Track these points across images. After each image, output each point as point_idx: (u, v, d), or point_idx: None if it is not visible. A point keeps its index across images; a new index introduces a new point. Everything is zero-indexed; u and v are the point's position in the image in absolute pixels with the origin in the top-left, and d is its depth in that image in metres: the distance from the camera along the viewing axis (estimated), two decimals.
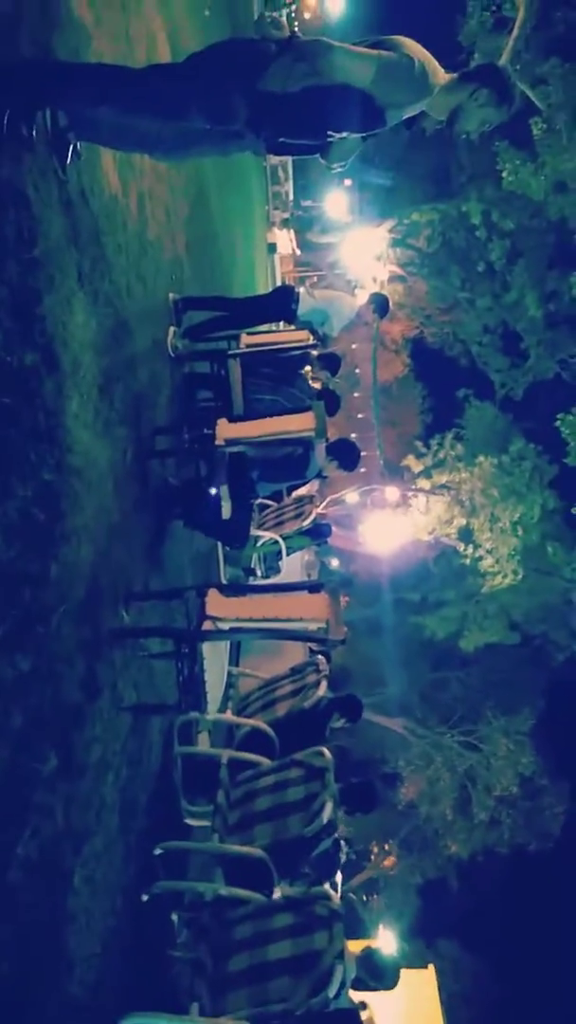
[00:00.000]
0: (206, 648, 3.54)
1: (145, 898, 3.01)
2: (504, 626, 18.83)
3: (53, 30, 2.87)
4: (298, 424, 4.43)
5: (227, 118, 2.52)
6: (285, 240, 16.08)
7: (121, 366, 3.49)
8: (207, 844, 3.22)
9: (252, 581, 5.47)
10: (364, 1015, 2.92)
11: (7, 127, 2.36)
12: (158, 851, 3.10)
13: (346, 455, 4.79)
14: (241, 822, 3.40)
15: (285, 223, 16.13)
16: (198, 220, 6.03)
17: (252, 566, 5.54)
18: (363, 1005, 3.07)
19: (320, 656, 4.20)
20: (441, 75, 2.57)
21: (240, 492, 4.32)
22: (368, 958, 3.08)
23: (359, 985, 3.06)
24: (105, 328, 3.23)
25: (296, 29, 2.65)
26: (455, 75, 2.61)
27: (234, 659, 4.28)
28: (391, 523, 16.52)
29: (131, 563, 3.50)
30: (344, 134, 2.59)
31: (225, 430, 4.28)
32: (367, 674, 16.55)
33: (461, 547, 18.01)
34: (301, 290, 5.49)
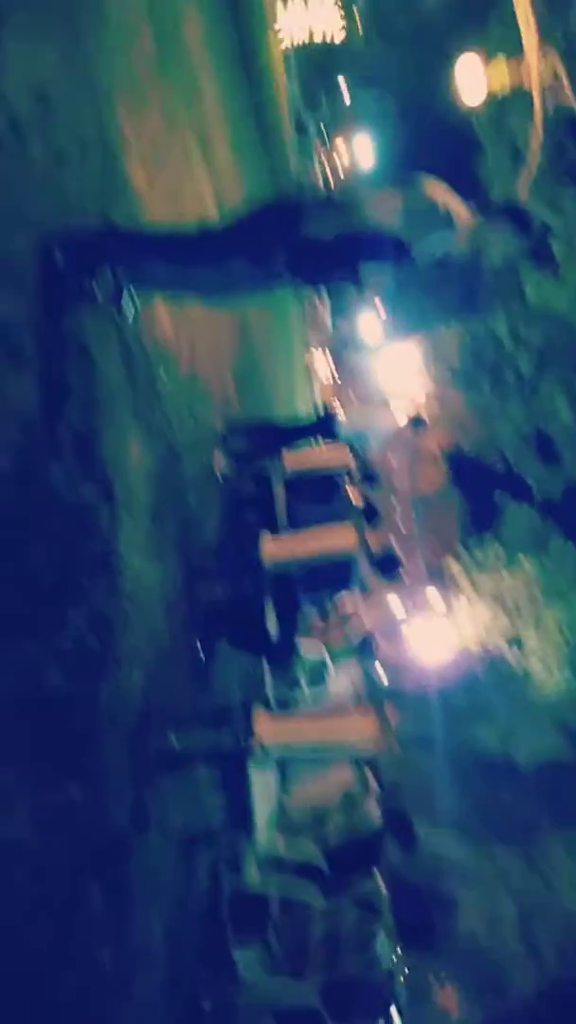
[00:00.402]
0: (253, 770, 3.50)
1: None
2: (557, 732, 18.10)
3: (114, 199, 3.22)
4: (340, 538, 4.52)
5: (270, 265, 2.74)
6: (322, 361, 16.82)
7: (172, 492, 3.65)
8: (256, 991, 3.06)
9: (298, 696, 5.41)
10: None
11: (73, 284, 2.62)
12: (206, 1005, 2.96)
13: (388, 566, 4.83)
14: (292, 958, 3.25)
15: (322, 345, 16.92)
16: (242, 351, 6.41)
17: (298, 681, 5.49)
18: None
19: (370, 776, 4.09)
20: (464, 214, 2.79)
21: (285, 608, 4.37)
22: None
23: None
24: (158, 458, 3.42)
25: (329, 178, 2.92)
26: (477, 213, 2.82)
27: (282, 780, 4.19)
28: (435, 630, 16.27)
29: (179, 684, 3.53)
30: (376, 270, 2.80)
31: (270, 546, 4.39)
32: (418, 789, 15.79)
33: (507, 651, 17.57)
34: (340, 411, 5.72)
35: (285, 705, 4.40)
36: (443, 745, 17.73)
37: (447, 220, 2.70)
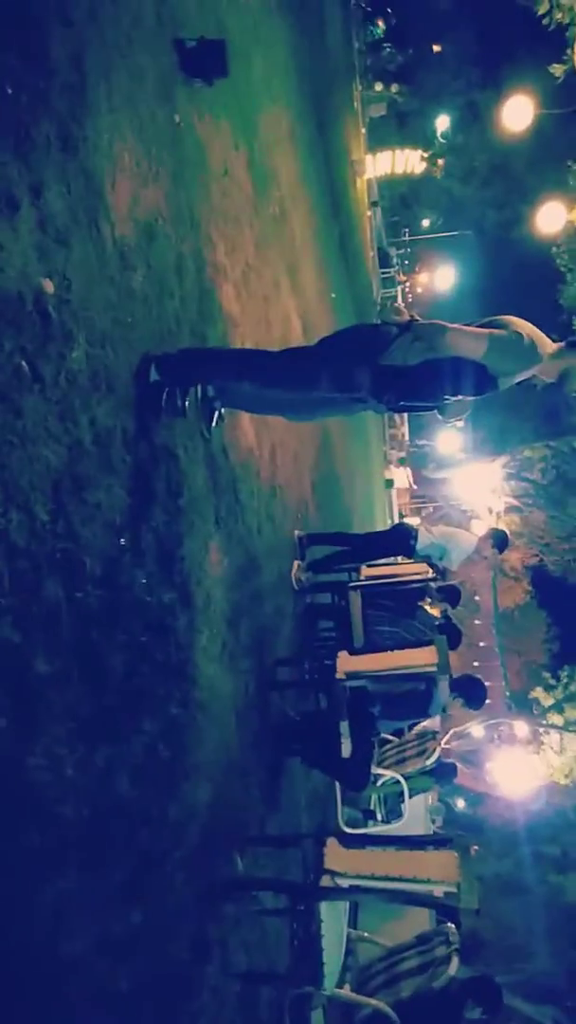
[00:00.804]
0: (323, 906, 3.24)
1: None
2: None
3: (207, 323, 3.42)
4: (420, 658, 4.35)
5: (353, 389, 2.80)
6: (402, 476, 16.95)
7: (248, 600, 3.64)
8: None
9: (372, 825, 5.08)
10: None
11: (166, 401, 2.75)
12: None
13: (472, 693, 4.60)
14: None
15: (401, 461, 17.10)
16: (322, 464, 6.54)
17: (372, 808, 5.18)
18: None
19: (450, 925, 3.73)
20: (549, 345, 2.79)
21: (360, 729, 4.18)
22: None
23: None
24: (236, 565, 3.44)
25: (410, 299, 2.99)
26: (562, 344, 2.82)
27: (353, 920, 3.87)
28: (522, 762, 15.24)
29: (248, 803, 3.38)
30: (459, 397, 2.81)
31: (345, 663, 4.26)
32: (504, 944, 14.28)
33: None
34: (419, 527, 5.67)
35: (359, 838, 4.12)
36: (531, 891, 16.19)
37: (532, 352, 2.71)
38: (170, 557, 2.69)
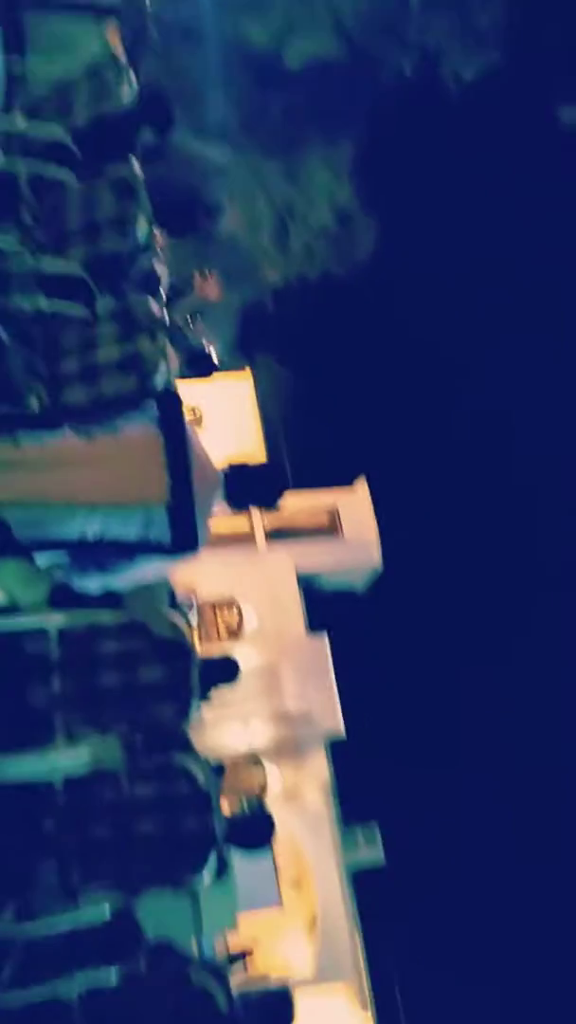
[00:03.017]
0: None
1: None
2: (332, 34, 16.91)
3: None
4: None
5: None
6: None
7: None
8: (22, 262, 3.13)
9: None
10: (190, 416, 3.34)
11: None
12: None
13: None
14: (53, 240, 3.31)
15: None
16: None
17: None
18: (193, 411, 3.54)
19: (119, 51, 3.58)
20: None
21: None
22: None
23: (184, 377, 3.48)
24: None
25: None
26: None
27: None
28: None
29: None
30: None
31: None
32: (181, 91, 14.58)
33: None
34: None
35: None
36: (211, 40, 15.92)
37: None
38: None
